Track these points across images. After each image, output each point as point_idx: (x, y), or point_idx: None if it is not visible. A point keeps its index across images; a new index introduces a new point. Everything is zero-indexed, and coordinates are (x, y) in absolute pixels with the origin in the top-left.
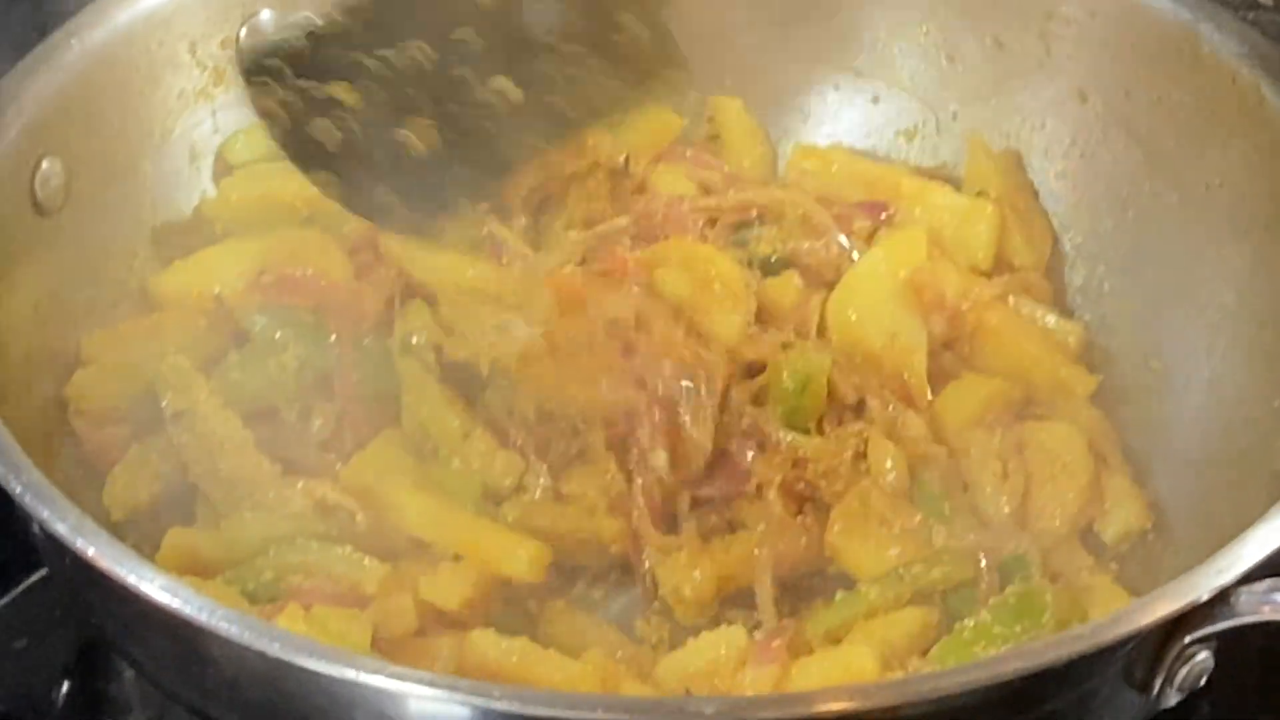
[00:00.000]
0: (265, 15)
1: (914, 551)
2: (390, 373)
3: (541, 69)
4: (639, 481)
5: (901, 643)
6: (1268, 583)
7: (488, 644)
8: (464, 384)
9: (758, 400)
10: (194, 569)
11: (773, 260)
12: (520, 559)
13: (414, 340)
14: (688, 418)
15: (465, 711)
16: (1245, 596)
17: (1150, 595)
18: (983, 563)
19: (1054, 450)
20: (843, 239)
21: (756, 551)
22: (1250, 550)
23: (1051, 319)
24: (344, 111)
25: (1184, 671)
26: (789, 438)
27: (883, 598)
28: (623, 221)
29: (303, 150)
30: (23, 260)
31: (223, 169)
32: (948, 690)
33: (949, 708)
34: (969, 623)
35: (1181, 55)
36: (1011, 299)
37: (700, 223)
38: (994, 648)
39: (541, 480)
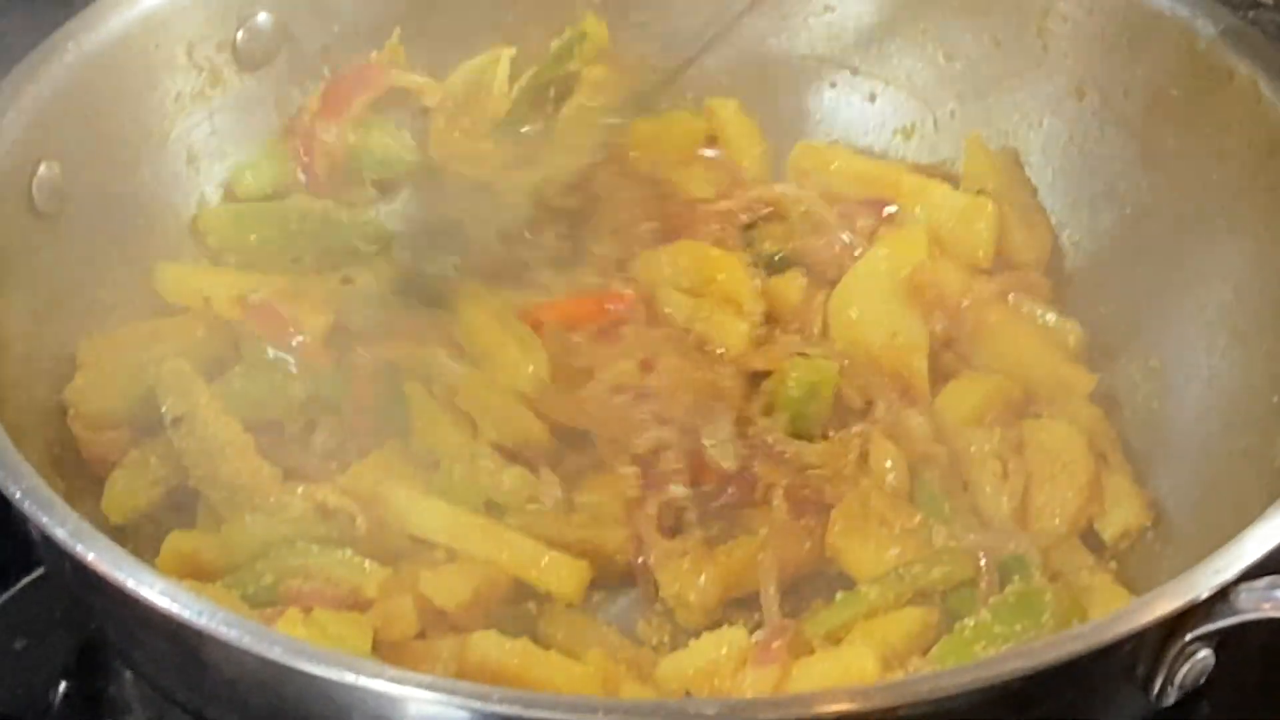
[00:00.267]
0: (262, 18)
1: (914, 551)
2: (397, 395)
3: None
4: (653, 498)
5: (901, 643)
6: (1268, 580)
7: (489, 645)
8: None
9: (766, 409)
10: (194, 573)
11: (777, 258)
12: (563, 578)
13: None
14: (709, 444)
15: (465, 715)
16: (1246, 594)
17: (1150, 593)
18: (982, 562)
19: (1054, 449)
20: (845, 236)
21: (761, 556)
22: (1250, 547)
23: (1051, 317)
24: None
25: (1184, 670)
26: (794, 446)
27: (883, 598)
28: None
29: None
30: (21, 263)
31: (229, 199)
32: (948, 690)
33: (950, 708)
34: (969, 622)
35: (1179, 53)
36: (1011, 297)
37: (719, 225)
38: (994, 647)
39: (556, 492)
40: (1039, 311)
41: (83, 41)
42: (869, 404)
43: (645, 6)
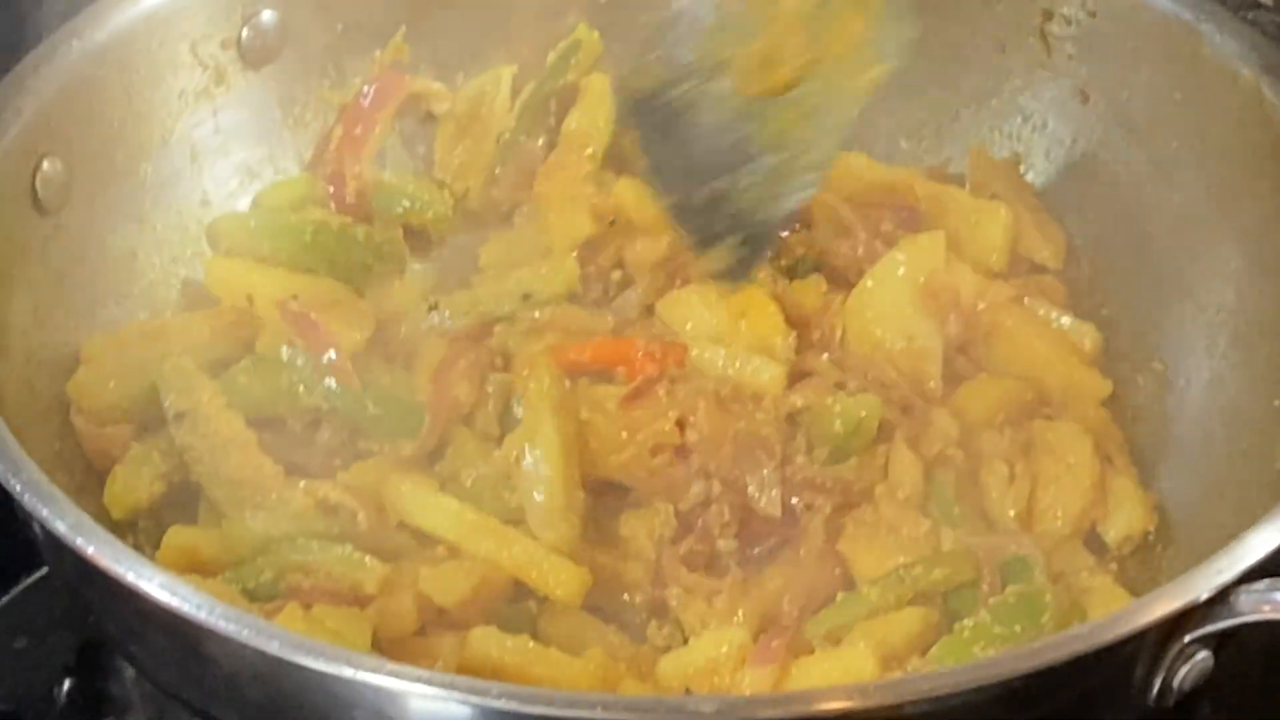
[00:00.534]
0: (267, 15)
1: (919, 557)
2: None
3: None
4: (688, 541)
5: (901, 643)
6: (1267, 582)
7: (489, 642)
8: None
9: (807, 446)
10: (194, 568)
11: (799, 264)
12: (563, 582)
13: None
14: (755, 492)
15: (464, 710)
16: (1245, 596)
17: (1150, 595)
18: (984, 563)
19: (1060, 450)
20: (867, 242)
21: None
22: (1250, 549)
23: (1067, 321)
24: None
25: (1184, 671)
26: (832, 472)
27: (884, 599)
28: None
29: None
30: (24, 260)
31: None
32: (948, 689)
33: (950, 707)
34: (968, 623)
35: (1182, 55)
36: (1027, 300)
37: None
38: (993, 648)
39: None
40: (1054, 315)
41: (86, 38)
42: (904, 410)
43: (644, 8)
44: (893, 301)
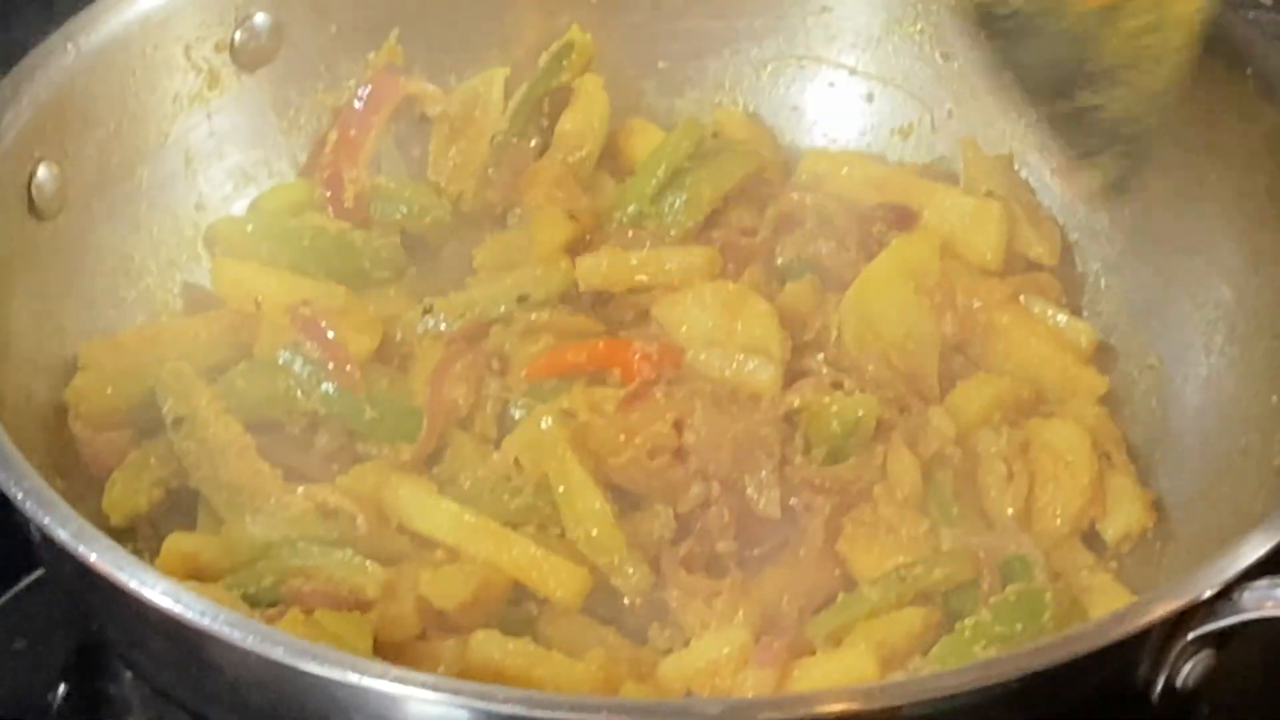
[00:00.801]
0: (260, 18)
1: (919, 557)
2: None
3: None
4: (688, 543)
5: (902, 643)
6: (1269, 579)
7: (491, 645)
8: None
9: (804, 446)
10: (194, 574)
11: (792, 265)
12: (564, 583)
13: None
14: (754, 493)
15: (468, 715)
16: (1249, 592)
17: (1153, 592)
18: (984, 563)
19: (1058, 449)
20: (859, 241)
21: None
22: (1253, 546)
23: (1063, 318)
24: None
25: (1187, 669)
26: (831, 473)
27: (884, 599)
28: None
29: None
30: (20, 265)
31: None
32: (951, 690)
33: (953, 707)
34: (969, 622)
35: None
36: (1023, 298)
37: (764, 255)
38: (994, 647)
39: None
40: (1050, 313)
41: (81, 42)
42: (901, 410)
43: (636, 8)
44: (888, 301)
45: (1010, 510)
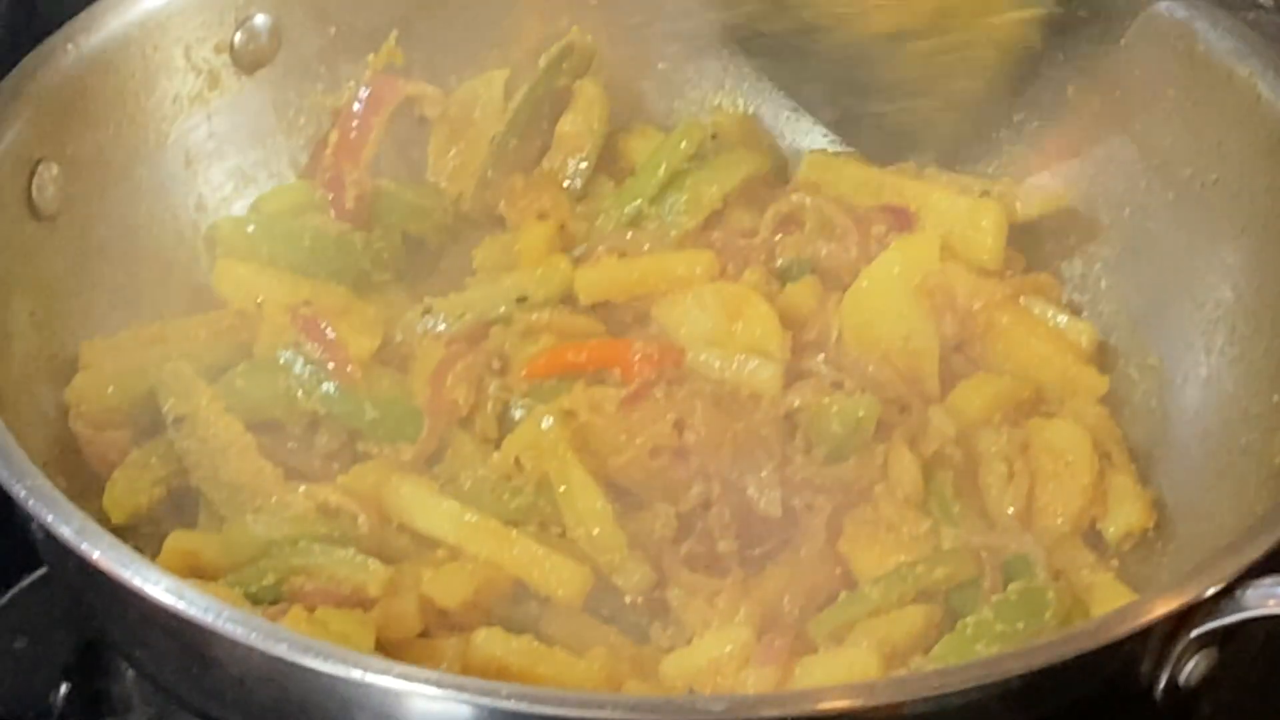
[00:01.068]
0: (260, 20)
1: (920, 555)
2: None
3: None
4: (689, 542)
5: (904, 641)
6: (1272, 577)
7: (494, 643)
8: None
9: (805, 446)
10: (195, 572)
11: (793, 267)
12: (565, 581)
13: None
14: (755, 493)
15: (473, 711)
16: (1251, 590)
17: (1156, 590)
18: (986, 562)
19: (1059, 448)
20: (860, 242)
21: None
22: (1256, 544)
23: (1063, 319)
24: None
25: (1189, 667)
26: (832, 472)
27: (886, 597)
28: None
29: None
30: (20, 265)
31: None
32: (955, 687)
33: (955, 705)
34: (971, 620)
35: (1178, 53)
36: (1023, 298)
37: (763, 256)
38: (996, 645)
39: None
40: (1050, 313)
41: (81, 43)
42: (902, 410)
43: (636, 10)
44: (888, 302)
45: (1011, 509)
